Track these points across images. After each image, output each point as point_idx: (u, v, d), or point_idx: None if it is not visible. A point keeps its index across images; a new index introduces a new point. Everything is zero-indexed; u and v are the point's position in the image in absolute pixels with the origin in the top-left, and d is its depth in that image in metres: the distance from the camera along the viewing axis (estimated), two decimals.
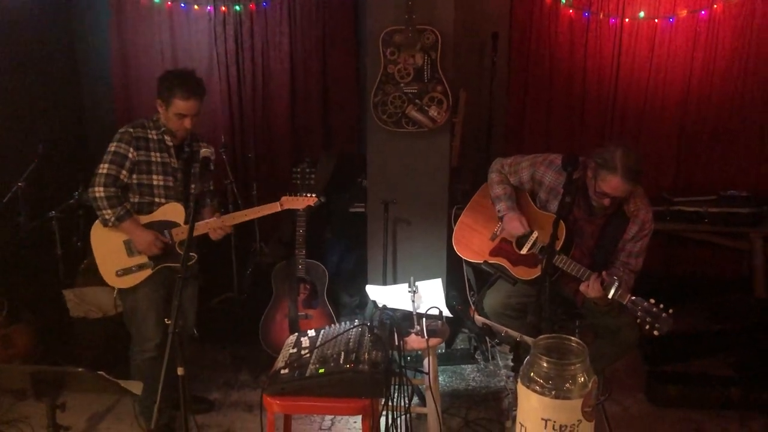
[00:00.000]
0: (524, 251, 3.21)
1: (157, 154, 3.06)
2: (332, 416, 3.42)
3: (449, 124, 3.86)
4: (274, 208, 3.16)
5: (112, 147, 3.01)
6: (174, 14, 4.88)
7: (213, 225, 3.09)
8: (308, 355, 2.63)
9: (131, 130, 3.03)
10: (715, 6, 4.56)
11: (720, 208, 4.52)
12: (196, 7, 4.83)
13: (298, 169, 3.88)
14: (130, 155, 3.00)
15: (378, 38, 3.65)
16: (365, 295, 3.24)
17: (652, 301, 2.78)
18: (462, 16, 4.42)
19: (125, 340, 3.74)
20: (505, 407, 3.53)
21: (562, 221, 2.95)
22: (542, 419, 1.75)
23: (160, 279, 3.09)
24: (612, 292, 2.85)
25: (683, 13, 4.61)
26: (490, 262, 3.22)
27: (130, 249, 3.06)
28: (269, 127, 5.07)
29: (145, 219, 3.06)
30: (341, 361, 2.51)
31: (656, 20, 4.64)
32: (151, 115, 3.11)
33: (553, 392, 1.74)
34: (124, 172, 3.01)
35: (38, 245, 4.24)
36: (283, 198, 3.19)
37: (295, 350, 2.71)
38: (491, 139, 4.86)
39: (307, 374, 2.48)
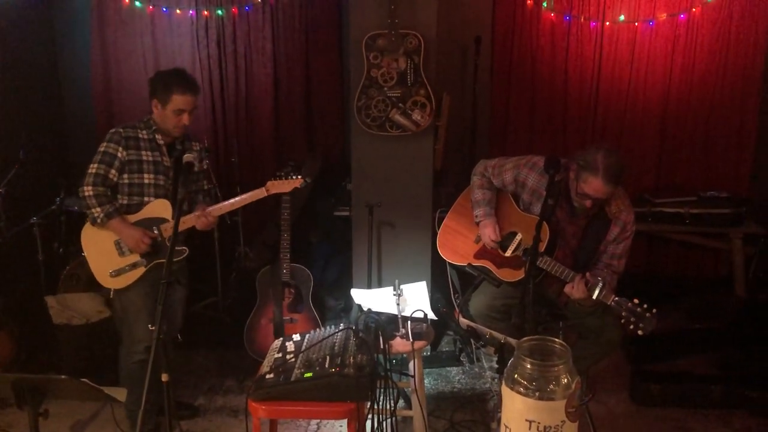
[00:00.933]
0: (508, 253, 3.24)
1: (149, 153, 3.07)
2: (318, 420, 3.41)
3: (433, 127, 3.88)
4: (260, 194, 3.16)
5: (102, 147, 3.04)
6: (156, 18, 4.86)
7: (197, 213, 3.10)
8: (293, 359, 2.63)
9: (121, 130, 3.06)
10: (694, 9, 4.63)
11: (700, 209, 4.58)
12: (178, 11, 4.81)
13: (282, 173, 3.87)
14: (119, 155, 3.02)
15: (361, 42, 3.66)
16: (350, 299, 3.24)
17: (636, 301, 2.81)
18: (445, 20, 4.44)
19: (109, 346, 3.73)
20: (490, 409, 3.54)
21: (545, 223, 2.97)
22: (526, 420, 1.77)
23: (154, 278, 3.06)
24: (596, 292, 2.88)
25: (663, 16, 4.67)
26: (474, 264, 3.23)
27: (121, 249, 3.07)
28: (252, 132, 5.05)
29: (133, 218, 3.07)
30: (326, 365, 2.52)
31: (636, 23, 4.69)
32: (141, 119, 3.13)
33: (537, 393, 1.76)
34: (113, 171, 3.03)
35: (19, 251, 4.20)
36: (269, 183, 3.19)
37: (280, 355, 2.71)
38: (475, 142, 4.89)
39: (293, 379, 2.49)
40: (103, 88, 4.98)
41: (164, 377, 2.38)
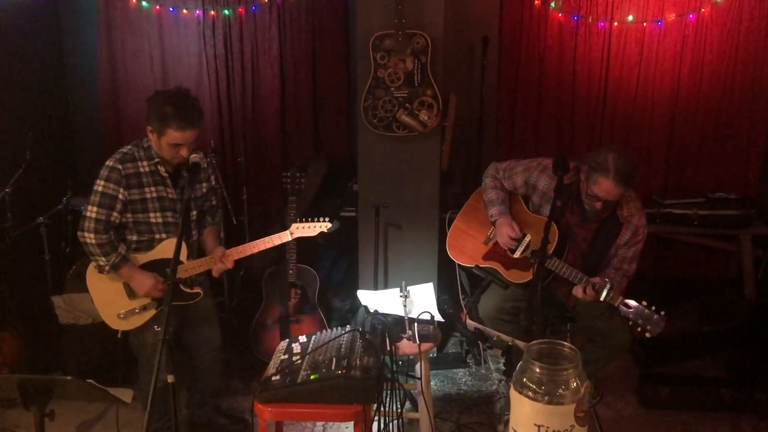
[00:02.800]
0: (517, 255, 3.22)
1: (152, 189, 2.83)
2: (324, 422, 3.40)
3: (439, 128, 3.86)
4: (284, 237, 2.97)
5: (99, 186, 2.77)
6: (163, 18, 4.85)
7: (216, 257, 2.91)
8: (299, 361, 2.62)
9: (120, 167, 2.77)
10: (703, 10, 4.59)
11: (709, 210, 4.55)
12: (184, 11, 4.80)
13: (288, 174, 3.87)
14: (120, 196, 2.78)
15: (368, 42, 3.64)
16: (356, 300, 3.23)
17: (644, 303, 2.79)
18: (452, 20, 4.43)
19: (116, 346, 3.73)
20: (496, 411, 3.53)
21: (554, 225, 2.96)
22: (535, 425, 1.75)
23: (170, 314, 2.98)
24: (604, 294, 2.86)
25: (671, 16, 4.63)
26: (482, 266, 3.22)
27: (130, 291, 2.87)
28: (259, 132, 5.05)
29: (144, 258, 2.88)
30: (333, 367, 2.51)
31: (645, 24, 4.66)
32: (140, 140, 2.86)
33: (546, 398, 1.74)
34: (115, 213, 2.79)
35: (26, 251, 4.20)
36: (294, 226, 2.99)
37: (286, 356, 2.70)
38: (482, 142, 4.87)
39: (299, 381, 2.47)
40: (109, 88, 4.98)
41: (170, 378, 2.37)
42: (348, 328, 2.86)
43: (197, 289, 2.97)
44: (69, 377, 2.28)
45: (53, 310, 3.85)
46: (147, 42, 4.89)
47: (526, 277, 3.16)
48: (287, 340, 2.92)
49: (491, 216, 3.31)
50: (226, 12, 4.80)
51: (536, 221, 3.21)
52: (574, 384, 1.74)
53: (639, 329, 2.80)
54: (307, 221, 2.99)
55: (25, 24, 4.69)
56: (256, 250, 2.96)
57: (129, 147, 2.85)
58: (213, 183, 3.12)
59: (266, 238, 2.96)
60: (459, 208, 3.70)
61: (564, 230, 3.14)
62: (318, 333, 2.90)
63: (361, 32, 3.73)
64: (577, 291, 2.96)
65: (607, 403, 3.59)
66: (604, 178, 2.88)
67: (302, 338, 2.88)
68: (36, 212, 4.10)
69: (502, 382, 3.77)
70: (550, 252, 3.03)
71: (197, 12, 4.79)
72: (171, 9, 4.80)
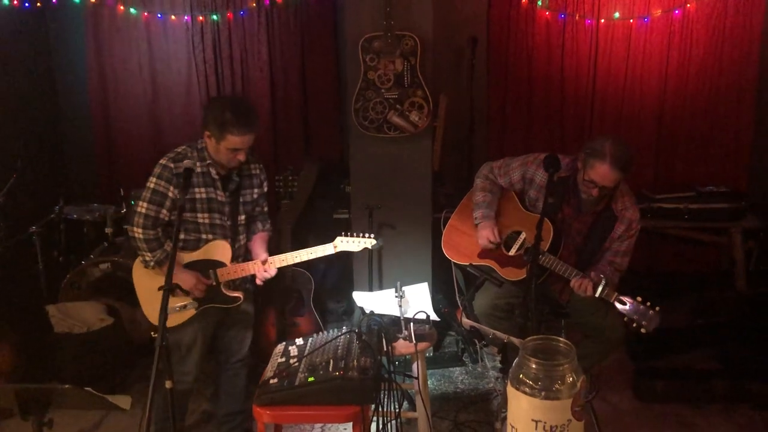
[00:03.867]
0: (512, 252, 3.24)
1: (202, 190, 2.85)
2: (323, 424, 3.41)
3: (430, 128, 3.88)
4: (328, 249, 2.96)
5: (151, 183, 2.82)
6: (151, 25, 4.86)
7: (257, 265, 2.93)
8: (297, 363, 2.62)
9: (172, 165, 2.81)
10: (689, 5, 4.64)
11: (699, 204, 4.59)
12: (173, 17, 4.81)
13: (281, 177, 3.88)
14: (170, 194, 2.81)
15: (357, 45, 3.66)
16: (352, 302, 3.23)
17: (639, 299, 2.82)
18: (440, 21, 4.45)
19: (111, 354, 3.73)
20: (494, 408, 3.54)
21: (549, 222, 2.99)
22: (533, 420, 1.77)
23: (206, 318, 2.96)
24: (599, 290, 2.89)
25: (657, 12, 4.68)
26: (476, 264, 3.24)
27: (160, 288, 2.93)
28: None
29: (189, 257, 2.90)
30: (330, 369, 2.51)
31: (631, 20, 4.71)
32: (195, 141, 2.90)
33: (543, 393, 1.76)
34: (164, 211, 2.83)
35: (19, 261, 4.19)
36: (338, 239, 2.98)
37: (283, 359, 2.71)
38: (472, 142, 4.89)
39: (297, 383, 2.48)
40: (99, 96, 4.98)
41: (168, 384, 2.37)
42: (344, 329, 2.87)
43: (238, 293, 2.98)
44: (67, 386, 2.28)
45: (48, 319, 3.84)
46: (136, 48, 4.89)
47: (521, 274, 3.17)
48: (284, 343, 2.92)
49: (475, 218, 3.33)
50: (215, 17, 4.81)
51: (530, 218, 3.23)
52: (570, 379, 1.76)
53: (634, 325, 2.83)
54: (352, 236, 2.98)
55: (14, 33, 4.68)
56: (298, 260, 2.97)
57: (183, 147, 2.90)
58: (265, 190, 3.12)
59: (310, 249, 2.96)
60: (451, 207, 3.71)
61: (560, 224, 3.17)
62: (315, 335, 2.91)
63: (350, 35, 3.74)
64: (574, 284, 2.98)
65: (603, 398, 3.61)
66: (601, 162, 2.91)
67: (299, 341, 2.88)
68: (28, 221, 4.10)
69: (499, 379, 3.78)
70: (546, 249, 3.05)
71: (185, 18, 4.80)
72: (159, 15, 4.81)
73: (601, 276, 2.92)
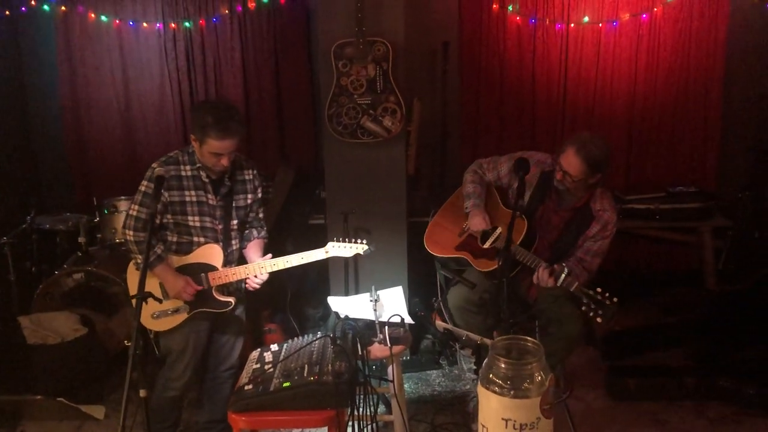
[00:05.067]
0: (486, 245, 3.32)
1: (192, 193, 2.88)
2: (300, 429, 3.41)
3: (404, 133, 3.91)
4: (318, 254, 2.97)
5: (143, 186, 2.86)
6: (123, 32, 4.84)
7: (251, 270, 2.93)
8: (272, 369, 2.63)
9: (162, 169, 2.85)
10: (656, 9, 4.72)
11: (670, 204, 4.67)
12: (145, 24, 4.79)
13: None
14: (161, 197, 2.84)
15: (329, 51, 3.68)
16: (328, 307, 3.24)
17: (599, 290, 2.87)
18: (412, 26, 4.48)
19: (86, 364, 3.69)
20: (471, 410, 3.57)
21: (523, 220, 3.14)
22: (503, 419, 1.79)
23: (199, 322, 2.96)
24: (561, 278, 2.94)
25: (626, 16, 4.76)
26: (453, 256, 3.38)
27: (165, 292, 2.92)
28: None
29: (180, 261, 2.92)
30: (305, 374, 2.53)
31: (600, 24, 4.78)
32: (188, 146, 2.92)
33: (512, 392, 1.78)
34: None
35: None
36: (330, 244, 2.99)
37: (258, 365, 2.72)
38: (446, 146, 4.93)
39: (272, 389, 2.49)
40: (71, 104, 4.94)
41: (142, 393, 2.36)
42: (319, 334, 2.89)
43: (229, 298, 2.98)
44: (38, 396, 2.27)
45: (21, 330, 3.79)
46: (108, 56, 4.87)
47: (492, 265, 3.26)
48: (259, 349, 2.93)
49: (466, 207, 3.43)
50: (187, 24, 4.80)
51: (508, 215, 3.32)
52: (539, 377, 1.79)
53: (591, 314, 2.89)
54: (344, 241, 2.99)
55: None
56: (288, 266, 2.96)
57: (176, 152, 2.93)
58: (260, 196, 3.13)
59: (301, 254, 2.96)
60: (426, 211, 3.76)
61: (537, 220, 3.25)
62: (290, 341, 2.92)
63: (323, 41, 3.76)
64: (536, 275, 3.04)
65: (577, 397, 3.66)
66: (570, 148, 3.04)
67: (274, 347, 2.89)
68: None
69: (475, 381, 3.80)
70: (518, 242, 3.14)
71: (158, 25, 4.79)
72: (131, 22, 4.79)
73: (563, 265, 2.97)
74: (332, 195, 4.04)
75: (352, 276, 4.02)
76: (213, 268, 2.93)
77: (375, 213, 4.00)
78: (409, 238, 4.05)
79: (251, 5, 4.78)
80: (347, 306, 3.05)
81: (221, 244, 2.97)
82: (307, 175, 4.86)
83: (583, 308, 2.90)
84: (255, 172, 3.09)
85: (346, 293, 3.91)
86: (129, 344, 2.33)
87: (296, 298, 4.07)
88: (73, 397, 2.63)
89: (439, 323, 3.31)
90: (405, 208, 4.05)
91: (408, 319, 2.95)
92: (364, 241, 3.01)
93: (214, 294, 2.95)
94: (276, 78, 4.97)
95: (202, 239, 2.94)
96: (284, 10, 4.84)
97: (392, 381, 3.01)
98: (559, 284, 2.95)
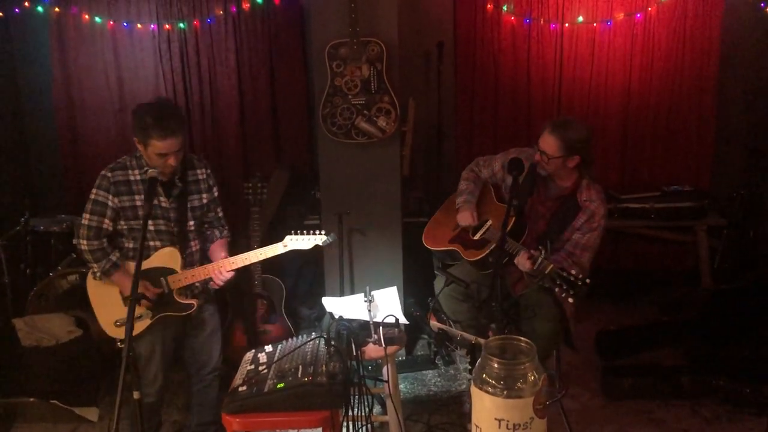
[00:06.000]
0: (477, 237, 3.39)
1: (143, 197, 2.82)
2: (294, 430, 3.40)
3: (399, 133, 3.91)
4: (276, 249, 2.94)
5: (92, 194, 2.83)
6: (117, 33, 4.82)
7: (210, 270, 2.91)
8: (266, 370, 2.62)
9: (109, 174, 2.82)
10: (650, 8, 4.73)
11: (665, 203, 4.69)
12: (139, 25, 4.78)
13: (250, 185, 3.87)
14: (110, 203, 2.81)
15: (324, 52, 3.67)
16: (323, 307, 3.24)
17: (573, 272, 2.88)
18: (406, 26, 4.48)
19: (81, 366, 3.68)
20: (466, 410, 3.57)
21: (513, 218, 3.16)
22: (496, 419, 1.79)
23: (163, 327, 2.94)
24: (538, 262, 2.95)
25: (620, 16, 4.77)
26: (445, 249, 3.48)
27: (125, 299, 2.89)
28: (219, 144, 5.04)
29: None
30: (299, 375, 2.52)
31: (595, 24, 4.79)
32: (134, 152, 2.88)
33: (505, 392, 1.78)
34: (106, 221, 2.83)
35: None
36: (288, 238, 2.95)
37: (252, 366, 2.71)
38: (441, 146, 4.93)
39: (266, 390, 2.49)
40: (65, 106, 4.93)
41: (136, 395, 2.36)
42: (313, 335, 2.88)
43: (191, 300, 2.96)
44: (31, 399, 2.26)
45: (15, 333, 3.78)
46: (101, 57, 4.85)
47: (480, 254, 3.32)
48: (253, 350, 2.92)
49: (457, 203, 3.49)
50: (182, 25, 4.79)
51: (499, 209, 3.38)
52: (532, 377, 1.78)
53: (564, 295, 2.89)
54: (302, 233, 2.95)
55: None
56: (248, 263, 2.96)
57: (123, 157, 2.90)
58: (215, 194, 3.10)
59: (259, 250, 2.95)
60: (421, 211, 3.78)
61: (528, 212, 3.29)
62: (284, 342, 2.91)
63: (317, 41, 3.76)
64: (516, 259, 3.05)
65: (573, 396, 3.66)
66: (546, 128, 3.11)
67: (268, 348, 2.88)
68: None
69: (471, 381, 3.81)
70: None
71: (152, 26, 4.78)
72: (125, 24, 4.78)
73: (540, 248, 2.98)
74: (327, 195, 4.03)
75: (347, 276, 4.01)
76: (172, 271, 2.90)
77: (370, 213, 4.00)
78: (404, 239, 4.04)
79: (245, 6, 4.78)
80: (342, 306, 3.04)
81: (178, 246, 2.93)
82: (302, 175, 4.86)
83: (557, 289, 2.92)
84: (208, 171, 3.07)
85: (341, 294, 3.91)
86: (122, 345, 2.33)
87: (291, 299, 4.06)
88: (67, 399, 2.62)
89: (434, 323, 3.32)
90: (400, 208, 4.04)
91: (403, 320, 2.95)
92: (323, 232, 2.97)
93: (176, 297, 2.92)
94: (271, 79, 4.96)
95: (158, 243, 2.90)
96: (279, 11, 4.84)
97: (387, 381, 3.01)
98: (535, 267, 2.96)
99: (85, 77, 4.89)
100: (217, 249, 3.07)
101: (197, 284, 3.01)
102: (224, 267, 2.92)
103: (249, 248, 3.76)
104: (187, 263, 2.97)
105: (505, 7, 4.79)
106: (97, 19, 4.76)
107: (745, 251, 4.84)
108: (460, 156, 4.98)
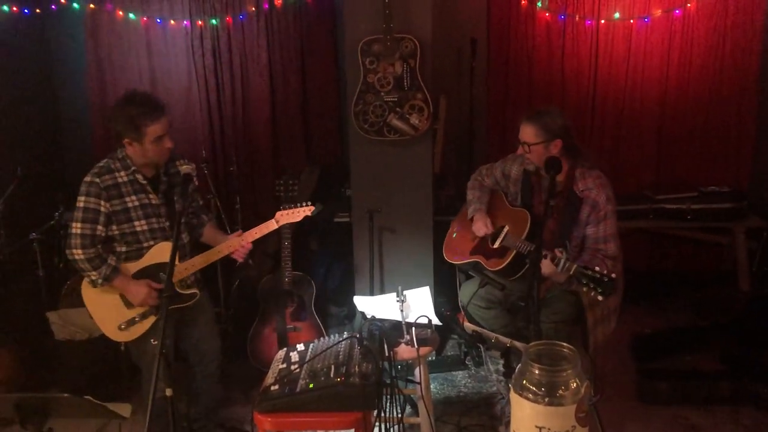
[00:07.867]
0: (496, 245, 3.29)
1: (133, 198, 2.84)
2: (325, 431, 3.39)
3: (431, 131, 3.87)
4: (270, 226, 2.97)
5: (81, 202, 2.78)
6: (150, 30, 4.85)
7: (234, 244, 2.94)
8: (298, 370, 2.61)
9: (98, 180, 2.78)
10: (689, 5, 4.62)
11: (702, 204, 4.58)
12: (172, 21, 4.80)
13: (281, 181, 3.86)
14: (102, 209, 2.78)
15: (357, 48, 3.65)
16: (353, 306, 3.22)
17: (597, 269, 2.80)
18: (440, 23, 4.44)
19: (113, 361, 3.71)
20: (497, 412, 3.52)
21: (526, 211, 3.19)
22: (536, 427, 1.75)
23: (167, 322, 2.98)
24: (561, 263, 2.87)
25: (658, 12, 4.66)
26: (468, 261, 3.38)
27: (127, 300, 2.87)
28: (250, 140, 5.04)
29: (135, 267, 2.87)
30: (332, 375, 2.50)
31: (632, 21, 4.69)
32: (114, 153, 2.86)
33: (546, 399, 1.74)
34: (99, 227, 2.80)
35: (19, 268, 4.18)
36: (278, 213, 3.01)
37: (284, 365, 2.69)
38: (473, 144, 4.87)
39: (298, 390, 2.47)
40: (99, 101, 4.97)
41: (168, 392, 2.36)
42: (345, 334, 2.86)
43: (193, 290, 2.98)
44: (66, 394, 2.27)
45: (49, 326, 3.82)
46: (135, 54, 4.89)
47: (502, 263, 3.24)
48: (285, 348, 2.91)
49: (469, 214, 3.44)
50: (214, 21, 4.80)
51: (514, 213, 3.30)
52: (574, 385, 1.74)
53: (592, 293, 2.81)
54: (290, 207, 3.02)
55: (13, 39, 4.68)
56: (252, 238, 2.98)
57: (104, 161, 2.86)
58: (197, 183, 3.14)
59: (254, 229, 2.97)
60: (452, 210, 3.73)
61: (537, 214, 3.22)
62: (316, 341, 2.89)
63: (350, 38, 3.73)
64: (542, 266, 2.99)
65: (607, 400, 3.59)
66: (523, 121, 3.08)
67: (300, 346, 2.86)
68: (28, 228, 4.08)
69: (503, 382, 3.76)
70: (523, 237, 3.12)
71: (185, 22, 4.79)
72: (158, 20, 4.80)
73: (561, 250, 2.90)
74: (358, 193, 4.01)
75: (377, 275, 3.99)
76: None
77: (401, 211, 3.96)
78: (435, 237, 4.00)
79: (278, 2, 4.77)
80: (374, 306, 3.02)
81: (171, 241, 2.90)
82: (333, 172, 4.84)
83: (584, 288, 2.84)
84: (187, 161, 3.07)
85: (371, 292, 3.88)
86: (155, 342, 2.33)
87: (320, 297, 4.05)
88: (100, 393, 2.62)
89: (468, 325, 3.27)
90: (431, 207, 4.00)
91: (435, 321, 2.91)
92: (309, 203, 3.04)
93: (178, 290, 2.92)
94: (302, 75, 4.96)
95: (152, 242, 2.90)
96: (311, 8, 4.82)
97: (419, 383, 2.97)
98: (560, 270, 2.88)
99: (118, 73, 4.93)
100: (211, 232, 3.12)
101: (192, 274, 3.02)
102: (222, 252, 2.95)
103: (280, 244, 3.81)
104: (181, 255, 2.97)
105: (539, 3, 4.72)
106: (131, 15, 4.79)
107: None
108: (492, 153, 4.91)
